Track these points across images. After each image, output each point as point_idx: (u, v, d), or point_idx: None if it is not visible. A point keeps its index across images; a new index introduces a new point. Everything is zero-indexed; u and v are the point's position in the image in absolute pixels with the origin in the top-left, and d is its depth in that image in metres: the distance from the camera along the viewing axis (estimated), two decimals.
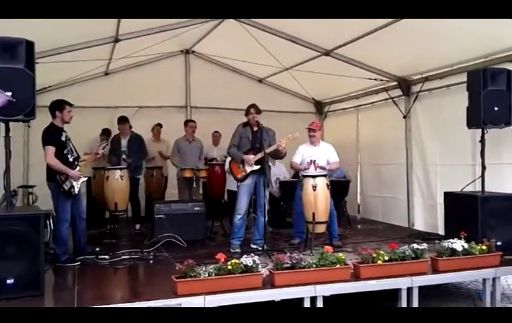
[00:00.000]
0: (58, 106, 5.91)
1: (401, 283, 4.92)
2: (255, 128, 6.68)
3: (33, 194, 8.53)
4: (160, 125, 9.36)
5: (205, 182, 8.32)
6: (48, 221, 6.01)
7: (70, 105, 5.99)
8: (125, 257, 6.12)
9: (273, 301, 4.60)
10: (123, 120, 8.31)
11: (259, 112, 6.66)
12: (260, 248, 6.33)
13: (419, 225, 8.35)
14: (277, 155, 6.71)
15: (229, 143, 6.85)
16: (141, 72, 9.78)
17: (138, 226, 8.36)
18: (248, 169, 6.55)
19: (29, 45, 4.66)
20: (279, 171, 8.90)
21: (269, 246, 6.41)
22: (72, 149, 5.99)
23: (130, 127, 8.36)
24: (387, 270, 4.97)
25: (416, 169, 8.46)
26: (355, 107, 10.21)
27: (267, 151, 6.44)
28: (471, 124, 6.30)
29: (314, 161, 6.86)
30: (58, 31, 6.23)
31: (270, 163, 7.65)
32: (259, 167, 6.51)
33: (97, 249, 6.37)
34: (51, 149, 5.69)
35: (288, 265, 4.76)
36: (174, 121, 9.76)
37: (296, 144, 6.97)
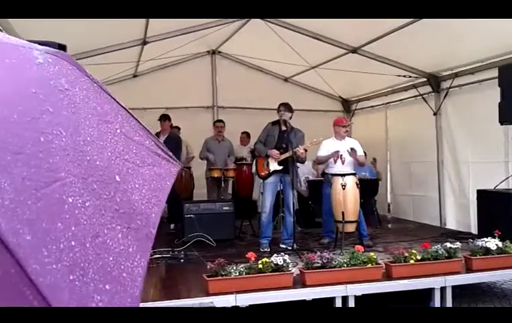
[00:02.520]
0: None
1: (434, 283, 4.85)
2: (283, 128, 6.66)
3: None
4: (177, 127, 9.37)
5: (234, 181, 8.35)
6: None
7: None
8: (157, 256, 6.19)
9: (304, 301, 4.59)
10: (163, 118, 8.38)
11: (287, 110, 6.62)
12: (289, 248, 6.31)
13: (451, 224, 8.20)
14: (297, 159, 6.64)
15: (257, 139, 6.88)
16: (168, 73, 9.91)
17: (172, 226, 8.47)
18: (272, 168, 6.53)
19: (62, 48, 4.72)
20: (307, 169, 8.87)
21: (299, 246, 6.39)
22: None
23: (172, 126, 8.43)
24: (419, 269, 4.91)
25: (447, 167, 8.32)
26: (383, 104, 10.09)
27: (285, 155, 6.39)
28: (503, 120, 6.17)
29: (341, 155, 6.78)
30: (88, 34, 6.36)
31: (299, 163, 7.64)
32: (281, 167, 6.49)
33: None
34: None
35: (319, 264, 4.75)
36: (201, 121, 9.88)
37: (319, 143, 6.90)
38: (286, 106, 6.64)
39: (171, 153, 2.21)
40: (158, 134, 8.35)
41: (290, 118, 6.65)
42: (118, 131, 1.85)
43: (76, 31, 5.86)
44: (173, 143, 8.29)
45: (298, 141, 6.54)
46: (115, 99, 1.90)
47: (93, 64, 7.15)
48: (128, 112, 2.01)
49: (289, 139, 6.51)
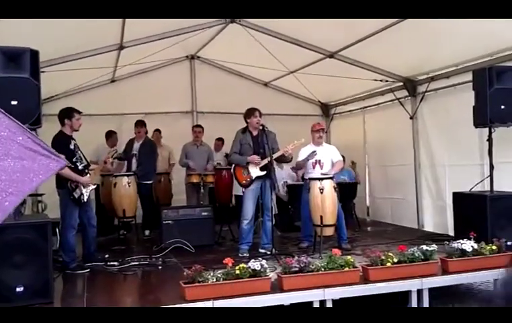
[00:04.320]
0: (67, 114, 5.95)
1: (411, 285, 4.91)
2: (255, 133, 6.63)
3: (42, 202, 8.55)
4: (158, 131, 9.33)
5: (213, 187, 8.31)
6: (57, 229, 6.04)
7: (79, 112, 6.03)
8: (134, 263, 6.13)
9: (283, 306, 4.58)
10: (140, 124, 8.35)
11: (261, 115, 6.64)
12: (268, 252, 6.31)
13: (429, 226, 8.28)
14: (284, 159, 6.67)
15: (230, 150, 6.83)
16: (147, 78, 9.82)
17: (147, 232, 8.39)
18: (254, 175, 6.50)
19: (34, 54, 4.70)
20: (286, 174, 8.88)
21: (278, 250, 6.39)
22: (82, 156, 6.03)
23: (146, 132, 8.40)
24: (396, 272, 4.95)
25: (424, 170, 8.40)
26: (361, 108, 10.16)
27: (274, 156, 6.41)
28: (478, 123, 6.27)
29: (319, 160, 6.83)
30: (62, 40, 6.28)
31: (278, 167, 7.66)
32: (264, 172, 6.48)
33: (106, 256, 6.41)
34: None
35: (296, 269, 4.75)
36: (180, 126, 9.84)
37: (300, 146, 6.93)
38: (259, 111, 6.62)
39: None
40: (132, 140, 8.28)
41: None
42: None
43: (51, 36, 5.78)
44: (148, 148, 8.26)
45: (273, 142, 6.54)
46: None
47: (69, 70, 7.09)
48: (3, 113, 2.34)
49: (264, 142, 6.50)
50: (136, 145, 8.26)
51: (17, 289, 4.37)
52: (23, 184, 2.24)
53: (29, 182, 2.28)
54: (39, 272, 4.49)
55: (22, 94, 4.56)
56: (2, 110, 2.25)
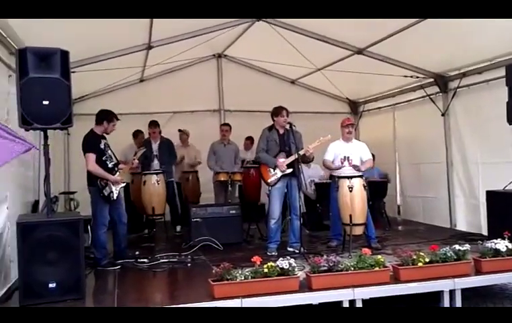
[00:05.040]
0: (107, 117, 6.06)
1: (443, 285, 4.79)
2: (281, 131, 6.62)
3: (75, 200, 8.74)
4: (183, 131, 9.34)
5: (241, 185, 8.32)
6: (88, 226, 6.14)
7: (118, 119, 6.15)
8: (164, 260, 6.19)
9: (311, 305, 4.54)
10: (154, 125, 8.43)
11: (288, 114, 6.61)
12: (297, 251, 6.28)
13: (461, 226, 8.09)
14: (304, 159, 6.61)
15: (257, 148, 6.82)
16: (175, 77, 9.91)
17: (178, 228, 8.46)
18: (280, 173, 6.48)
19: (64, 54, 4.77)
20: (314, 172, 8.82)
21: (306, 249, 6.35)
22: (112, 155, 6.12)
23: (160, 132, 8.48)
24: (428, 272, 4.84)
25: (456, 168, 8.21)
26: (391, 105, 10.01)
27: (301, 153, 6.38)
28: (511, 119, 6.09)
29: (348, 157, 6.74)
30: (92, 41, 6.38)
31: (306, 166, 7.61)
32: (291, 170, 6.45)
33: (137, 253, 6.49)
34: (91, 156, 5.84)
35: (325, 268, 4.70)
36: (208, 125, 9.88)
37: (328, 142, 6.86)
38: (287, 110, 6.60)
39: (20, 135, 2.75)
40: (149, 140, 8.34)
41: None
42: None
43: (81, 37, 5.87)
44: (167, 148, 8.34)
45: (298, 142, 6.51)
46: None
47: (99, 70, 7.20)
48: None
49: (290, 141, 6.47)
50: (154, 146, 8.34)
51: (50, 285, 4.44)
52: None
53: None
54: (72, 269, 4.56)
55: (53, 94, 4.64)
56: None
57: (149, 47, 7.36)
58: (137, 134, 9.01)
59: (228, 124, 9.06)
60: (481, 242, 5.37)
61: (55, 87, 4.66)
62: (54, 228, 4.56)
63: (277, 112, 6.61)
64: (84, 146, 5.92)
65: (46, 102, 4.60)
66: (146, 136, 8.70)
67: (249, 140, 9.47)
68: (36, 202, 6.31)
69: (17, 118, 4.55)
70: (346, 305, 4.56)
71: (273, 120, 6.67)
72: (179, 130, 9.25)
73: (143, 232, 8.42)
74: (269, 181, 6.56)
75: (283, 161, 6.45)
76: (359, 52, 7.92)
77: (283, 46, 7.82)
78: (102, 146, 5.99)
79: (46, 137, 4.82)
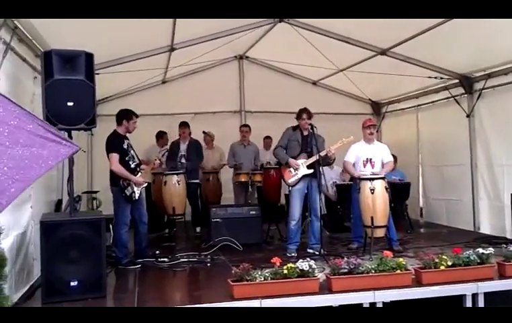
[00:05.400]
0: (126, 115, 6.14)
1: (465, 289, 4.71)
2: (305, 133, 6.60)
3: (97, 199, 8.86)
4: (207, 133, 9.38)
5: (261, 186, 8.32)
6: (110, 225, 6.23)
7: (137, 116, 6.22)
8: (184, 260, 6.23)
9: (331, 307, 4.50)
10: (184, 125, 8.52)
11: (310, 116, 6.58)
12: (317, 253, 6.24)
13: (485, 229, 7.92)
14: (325, 161, 6.57)
15: (276, 144, 6.81)
16: (196, 79, 9.97)
17: (198, 229, 8.51)
18: (300, 173, 6.46)
19: (89, 57, 4.86)
20: (335, 174, 8.76)
21: (326, 251, 6.31)
22: (134, 155, 6.20)
23: (190, 133, 8.53)
24: (450, 275, 4.77)
25: (481, 170, 8.04)
26: (414, 107, 9.87)
27: (322, 154, 6.35)
28: None
29: (370, 159, 6.67)
30: (116, 43, 6.46)
31: (328, 167, 7.56)
32: (311, 171, 6.42)
33: (157, 252, 6.55)
34: (115, 156, 5.92)
35: (346, 270, 4.66)
36: (229, 126, 9.89)
37: (350, 143, 6.80)
38: (308, 112, 6.59)
39: (65, 137, 2.71)
40: (178, 141, 8.42)
41: None
42: None
43: (105, 39, 5.96)
44: (195, 149, 8.40)
45: (320, 147, 6.48)
46: None
47: (123, 72, 7.30)
48: (13, 103, 2.46)
49: (312, 143, 6.45)
50: (183, 146, 8.41)
51: (72, 284, 4.52)
52: (30, 170, 2.37)
53: (38, 168, 2.40)
54: (93, 267, 4.63)
55: (78, 95, 4.74)
56: (12, 100, 2.42)
57: (172, 49, 7.42)
58: (161, 134, 9.10)
59: (247, 125, 9.08)
60: (505, 246, 5.23)
61: (79, 88, 4.76)
62: (77, 227, 4.64)
63: (299, 114, 6.64)
64: (107, 146, 6.01)
65: (70, 103, 4.69)
66: (172, 136, 8.79)
67: (269, 139, 9.43)
68: (59, 201, 6.42)
69: (41, 119, 4.65)
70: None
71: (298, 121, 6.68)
72: (204, 132, 9.30)
73: (164, 231, 8.49)
74: (289, 181, 6.55)
75: (303, 161, 6.43)
76: (383, 52, 7.83)
77: (304, 47, 7.79)
78: (125, 146, 6.07)
79: (70, 138, 4.90)
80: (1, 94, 2.41)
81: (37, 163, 2.40)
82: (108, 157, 5.98)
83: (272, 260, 4.69)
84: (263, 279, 4.49)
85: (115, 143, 6.00)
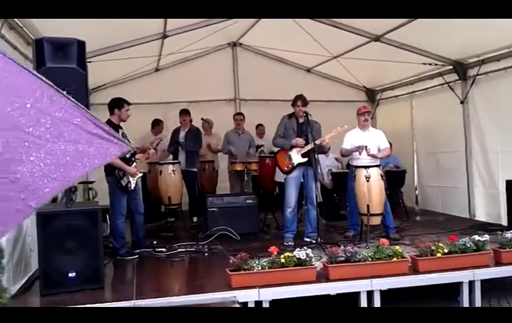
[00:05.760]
0: (117, 104, 6.08)
1: (462, 276, 4.75)
2: (301, 120, 6.57)
3: (93, 190, 8.81)
4: (205, 120, 9.36)
5: (256, 175, 8.31)
6: (107, 216, 6.20)
7: (129, 104, 6.15)
8: (182, 250, 6.23)
9: (329, 295, 4.53)
10: (184, 112, 8.47)
11: (305, 103, 6.54)
12: (313, 241, 6.26)
13: (481, 216, 7.97)
14: (321, 149, 6.54)
15: (274, 134, 6.80)
16: (190, 66, 9.91)
17: (195, 219, 8.52)
18: (295, 161, 6.45)
19: (81, 45, 4.79)
20: (331, 162, 8.76)
21: (323, 239, 6.33)
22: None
23: (191, 120, 8.50)
24: (447, 263, 4.81)
25: (476, 157, 8.08)
26: (408, 93, 9.88)
27: (317, 142, 6.33)
28: None
29: (366, 146, 6.67)
30: (107, 31, 6.37)
31: (323, 154, 7.55)
32: (306, 159, 6.42)
33: (155, 242, 6.54)
34: None
35: (343, 258, 4.68)
36: (223, 114, 9.84)
37: (345, 132, 6.79)
38: (303, 99, 6.55)
39: (116, 134, 2.30)
40: (178, 128, 8.38)
41: None
42: (28, 105, 2.00)
43: (96, 27, 5.87)
44: (193, 135, 8.36)
45: (316, 133, 6.46)
46: (41, 78, 2.13)
47: (115, 59, 7.22)
48: (60, 92, 2.17)
49: (308, 131, 6.44)
50: (182, 133, 8.36)
51: (70, 275, 4.51)
52: (72, 169, 2.07)
53: (82, 167, 2.07)
54: (91, 258, 4.62)
55: (70, 84, 4.62)
56: (59, 89, 2.13)
57: (164, 36, 7.35)
58: (156, 122, 9.06)
59: (241, 114, 9.04)
60: (501, 233, 5.28)
61: (72, 77, 4.69)
62: (73, 217, 4.62)
63: (293, 101, 6.60)
64: None
65: (63, 92, 4.61)
66: (166, 125, 8.74)
67: (261, 126, 9.42)
68: None
69: None
70: (364, 295, 4.55)
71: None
72: (202, 119, 9.27)
73: (166, 220, 8.45)
74: (284, 169, 6.54)
75: (301, 140, 6.41)
76: (376, 39, 7.80)
77: (298, 33, 7.75)
78: (119, 135, 6.00)
79: None
80: (46, 81, 2.10)
81: (81, 161, 2.06)
82: None
83: (269, 249, 4.70)
84: (260, 268, 4.50)
85: None
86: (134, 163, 6.08)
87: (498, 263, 4.97)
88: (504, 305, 4.99)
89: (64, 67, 4.68)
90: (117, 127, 6.04)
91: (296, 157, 6.46)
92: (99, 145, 2.08)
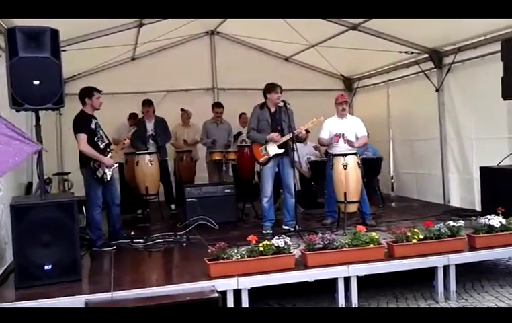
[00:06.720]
0: (87, 93, 5.97)
1: (437, 262, 4.84)
2: (273, 110, 6.54)
3: (69, 181, 8.70)
4: (184, 110, 9.29)
5: (235, 164, 8.30)
6: (83, 207, 6.12)
7: (99, 91, 6.04)
8: (160, 240, 6.19)
9: (307, 282, 4.58)
10: (148, 103, 8.33)
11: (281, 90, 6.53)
12: (292, 229, 6.30)
13: (455, 202, 8.13)
14: (297, 139, 6.48)
15: (247, 127, 6.76)
16: (167, 56, 9.81)
17: (173, 206, 8.45)
18: (272, 152, 6.43)
19: (54, 33, 4.69)
20: (309, 150, 8.80)
21: (301, 227, 6.37)
22: (103, 135, 6.05)
23: (154, 111, 8.40)
24: (422, 248, 4.89)
25: (450, 144, 8.22)
26: (385, 82, 9.97)
27: (290, 134, 6.29)
28: (506, 95, 6.12)
29: (343, 134, 6.70)
30: (81, 19, 6.25)
31: (302, 143, 7.57)
32: (282, 150, 6.40)
33: (132, 233, 6.49)
34: (83, 136, 5.77)
35: (320, 246, 4.73)
36: (201, 104, 9.80)
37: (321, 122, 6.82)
38: (280, 87, 6.51)
39: (28, 136, 2.89)
40: (143, 120, 8.26)
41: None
42: None
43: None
44: (162, 126, 8.28)
45: (292, 118, 6.45)
46: None
47: (90, 48, 7.10)
48: None
49: (281, 119, 6.42)
50: (149, 125, 8.24)
51: (46, 267, 4.43)
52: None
53: (4, 164, 2.49)
54: (67, 250, 4.55)
55: (44, 74, 4.58)
56: None
57: (140, 24, 7.25)
58: (133, 117, 8.92)
59: (221, 106, 8.94)
60: (475, 218, 5.39)
61: (45, 66, 4.60)
62: (48, 210, 4.54)
63: (270, 88, 6.52)
64: (74, 126, 5.85)
65: (36, 82, 4.53)
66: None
67: (244, 115, 9.38)
68: (30, 184, 6.27)
69: (7, 99, 4.49)
70: (341, 281, 4.60)
71: (266, 98, 6.59)
72: (182, 110, 9.18)
73: (136, 212, 8.40)
74: (260, 160, 6.53)
75: (276, 135, 6.37)
76: (354, 27, 7.84)
77: (276, 22, 7.71)
78: (93, 126, 5.91)
79: (37, 118, 4.77)
80: None
81: (4, 158, 2.47)
82: (76, 137, 5.83)
83: (248, 238, 4.71)
84: (239, 257, 4.51)
85: (82, 123, 5.83)
86: (110, 154, 6.00)
87: (472, 248, 5.08)
88: (478, 289, 5.12)
89: (37, 57, 4.58)
90: (90, 117, 5.94)
91: (273, 148, 6.42)
92: (15, 145, 2.47)
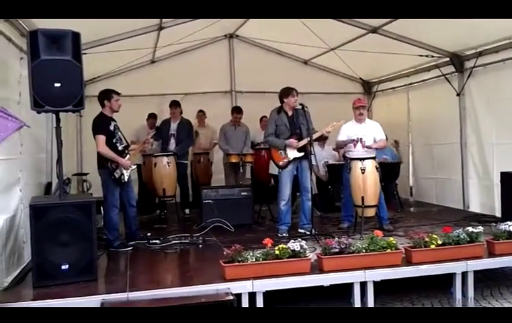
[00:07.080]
0: (106, 95, 6.05)
1: (455, 268, 4.76)
2: (290, 113, 6.53)
3: (87, 182, 8.80)
4: (202, 112, 9.34)
5: (252, 166, 8.30)
6: (101, 208, 6.19)
7: (118, 94, 6.11)
8: (176, 242, 6.22)
9: (322, 287, 4.54)
10: (174, 104, 8.41)
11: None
12: (308, 233, 6.26)
13: (475, 207, 8.00)
14: (320, 138, 6.55)
15: (265, 132, 6.75)
16: (186, 59, 9.88)
17: (187, 211, 8.51)
18: (291, 156, 6.42)
19: (76, 36, 4.75)
20: (327, 154, 8.75)
21: (317, 231, 6.33)
22: (122, 137, 6.12)
23: (181, 112, 8.46)
24: (440, 254, 4.82)
25: (471, 149, 8.09)
26: (405, 85, 9.86)
27: (314, 136, 6.31)
28: None
29: (361, 138, 6.64)
30: (103, 22, 6.31)
31: (319, 147, 7.54)
32: (302, 154, 6.39)
33: (149, 234, 6.53)
34: (102, 138, 5.84)
35: (337, 250, 4.69)
36: (219, 106, 9.84)
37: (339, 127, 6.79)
38: (296, 90, 6.51)
39: (12, 113, 3.27)
40: (168, 120, 8.34)
41: None
42: None
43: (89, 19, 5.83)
44: (186, 129, 8.33)
45: (309, 120, 6.43)
46: None
47: (111, 51, 7.19)
48: None
49: (300, 122, 6.41)
50: (173, 125, 8.31)
51: (63, 267, 4.48)
52: None
53: None
54: (84, 251, 4.59)
55: (65, 76, 4.63)
56: None
57: (160, 28, 7.31)
58: (151, 116, 9.02)
59: (240, 111, 8.92)
60: (494, 224, 5.31)
61: (67, 69, 4.65)
62: (67, 210, 4.59)
63: (287, 92, 6.52)
64: (94, 128, 5.93)
65: (57, 84, 4.59)
66: (161, 118, 8.71)
67: (266, 118, 9.36)
68: (49, 184, 6.36)
69: (29, 100, 4.57)
70: (357, 286, 4.55)
71: (282, 102, 6.58)
72: (200, 111, 9.26)
73: (155, 213, 8.46)
74: (280, 163, 6.52)
75: (295, 141, 6.38)
76: (374, 31, 7.77)
77: (295, 25, 7.69)
78: (112, 128, 5.98)
79: (58, 120, 4.83)
80: None
81: None
82: (95, 139, 5.91)
83: (263, 241, 4.70)
84: (254, 260, 4.50)
85: (101, 125, 5.91)
86: (128, 156, 6.07)
87: (491, 254, 5.00)
88: (497, 296, 5.02)
89: (58, 59, 4.63)
90: (109, 119, 6.01)
91: (292, 152, 6.42)
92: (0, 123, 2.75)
